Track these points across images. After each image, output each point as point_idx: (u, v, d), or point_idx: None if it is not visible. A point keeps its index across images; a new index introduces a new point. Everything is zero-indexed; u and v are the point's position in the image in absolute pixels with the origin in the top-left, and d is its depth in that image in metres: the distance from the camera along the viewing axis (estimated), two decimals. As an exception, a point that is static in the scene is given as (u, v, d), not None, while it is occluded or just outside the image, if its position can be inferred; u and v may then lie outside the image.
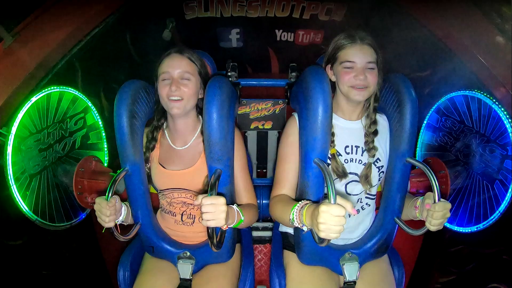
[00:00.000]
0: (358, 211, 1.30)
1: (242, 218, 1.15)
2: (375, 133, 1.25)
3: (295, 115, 1.26)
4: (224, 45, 2.45)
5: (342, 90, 1.21)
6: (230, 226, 1.12)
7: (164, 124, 1.35)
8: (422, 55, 1.69)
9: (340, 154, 1.24)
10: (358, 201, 1.29)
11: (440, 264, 1.70)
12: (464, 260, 1.54)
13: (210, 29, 2.35)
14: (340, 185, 1.25)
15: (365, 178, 1.24)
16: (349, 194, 1.27)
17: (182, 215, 1.35)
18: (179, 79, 1.21)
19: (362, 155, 1.25)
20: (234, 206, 1.14)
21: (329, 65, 1.26)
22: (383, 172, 1.28)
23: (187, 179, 1.29)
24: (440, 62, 1.58)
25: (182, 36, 2.33)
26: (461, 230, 1.49)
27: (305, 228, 1.03)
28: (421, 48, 1.65)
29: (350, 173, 1.25)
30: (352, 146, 1.26)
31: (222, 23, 2.28)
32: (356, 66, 1.17)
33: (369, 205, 1.31)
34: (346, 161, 1.25)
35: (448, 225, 1.54)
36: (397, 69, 1.47)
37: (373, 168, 1.25)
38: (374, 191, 1.30)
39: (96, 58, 1.63)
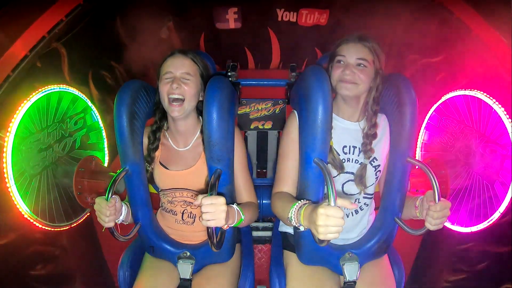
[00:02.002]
0: (356, 211, 1.30)
1: (242, 217, 1.15)
2: (374, 136, 1.25)
3: (295, 112, 1.26)
4: (220, 26, 2.29)
5: (333, 85, 1.22)
6: (231, 225, 1.12)
7: (165, 125, 1.35)
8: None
9: (338, 154, 1.25)
10: (355, 201, 1.29)
11: (449, 262, 1.66)
12: (475, 258, 1.51)
13: (205, 8, 2.20)
14: (337, 184, 1.26)
15: (359, 179, 1.24)
16: (346, 194, 1.27)
17: (182, 214, 1.35)
18: (181, 78, 1.21)
19: (359, 155, 1.26)
20: (234, 206, 1.14)
21: (331, 65, 1.27)
22: (380, 171, 1.28)
23: (188, 179, 1.29)
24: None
25: (175, 19, 2.18)
26: (461, 230, 1.50)
27: (301, 228, 1.03)
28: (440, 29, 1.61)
29: (347, 172, 1.25)
30: (349, 146, 1.26)
31: (219, 1, 2.15)
32: (346, 61, 1.19)
33: (367, 205, 1.32)
34: (343, 160, 1.25)
35: (448, 225, 1.54)
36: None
37: (369, 167, 1.25)
38: (371, 190, 1.30)
39: (80, 43, 1.57)
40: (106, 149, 1.82)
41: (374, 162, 1.26)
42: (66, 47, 1.46)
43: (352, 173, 1.26)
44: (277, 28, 2.37)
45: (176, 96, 1.19)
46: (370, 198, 1.32)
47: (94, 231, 1.80)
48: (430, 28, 1.60)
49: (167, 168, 1.30)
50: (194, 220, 1.35)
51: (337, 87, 1.21)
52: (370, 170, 1.26)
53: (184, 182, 1.30)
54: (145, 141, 1.31)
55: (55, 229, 1.45)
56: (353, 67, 1.18)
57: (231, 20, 2.26)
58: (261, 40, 2.46)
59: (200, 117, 1.32)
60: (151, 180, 1.33)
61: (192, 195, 1.31)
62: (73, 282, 1.63)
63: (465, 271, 1.56)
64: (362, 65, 1.18)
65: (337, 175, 1.25)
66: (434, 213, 1.06)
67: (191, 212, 1.35)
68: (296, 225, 1.05)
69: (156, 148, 1.32)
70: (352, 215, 1.30)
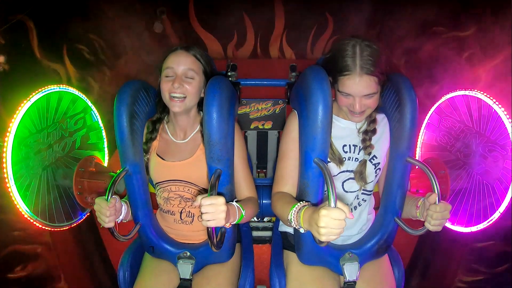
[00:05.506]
0: (354, 207, 1.31)
1: (243, 213, 1.15)
2: (374, 131, 1.25)
3: (295, 112, 1.27)
4: None
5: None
6: (233, 223, 1.12)
7: (166, 118, 1.35)
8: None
9: (338, 150, 1.25)
10: (355, 197, 1.30)
11: (465, 262, 1.61)
12: (475, 258, 1.48)
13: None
14: (337, 182, 1.26)
15: (359, 174, 1.25)
16: (347, 192, 1.28)
17: (181, 213, 1.35)
18: (183, 76, 1.21)
19: (359, 154, 1.27)
20: (234, 203, 1.14)
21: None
22: (379, 169, 1.28)
23: (184, 170, 1.29)
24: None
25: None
26: (460, 230, 1.50)
27: (302, 230, 1.03)
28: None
29: (347, 171, 1.26)
30: (350, 145, 1.26)
31: None
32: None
33: (365, 200, 1.32)
34: (344, 159, 1.26)
35: (447, 225, 1.54)
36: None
37: (369, 165, 1.26)
38: (370, 187, 1.31)
39: (50, 13, 1.40)
40: (106, 149, 1.82)
41: (373, 160, 1.26)
42: (33, 18, 1.30)
43: (352, 171, 1.26)
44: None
45: (177, 95, 1.19)
46: (369, 194, 1.33)
47: (97, 229, 1.80)
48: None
49: (164, 159, 1.30)
50: (193, 219, 1.35)
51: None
52: (370, 168, 1.26)
53: (180, 174, 1.29)
54: (145, 131, 1.31)
55: (55, 230, 1.45)
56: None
57: None
58: (261, 2, 2.10)
59: (201, 111, 1.32)
60: (147, 172, 1.33)
61: (188, 190, 1.31)
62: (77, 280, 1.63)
63: (466, 270, 1.56)
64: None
65: (337, 174, 1.25)
66: (434, 214, 1.06)
67: (189, 211, 1.34)
68: (296, 227, 1.05)
69: (154, 138, 1.31)
70: (351, 212, 1.30)
